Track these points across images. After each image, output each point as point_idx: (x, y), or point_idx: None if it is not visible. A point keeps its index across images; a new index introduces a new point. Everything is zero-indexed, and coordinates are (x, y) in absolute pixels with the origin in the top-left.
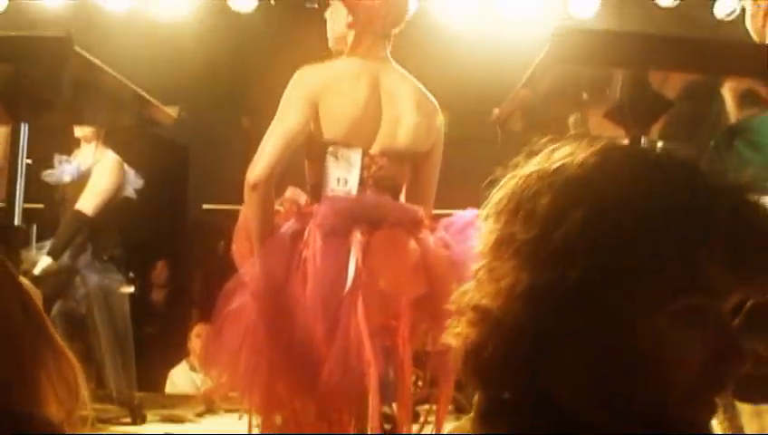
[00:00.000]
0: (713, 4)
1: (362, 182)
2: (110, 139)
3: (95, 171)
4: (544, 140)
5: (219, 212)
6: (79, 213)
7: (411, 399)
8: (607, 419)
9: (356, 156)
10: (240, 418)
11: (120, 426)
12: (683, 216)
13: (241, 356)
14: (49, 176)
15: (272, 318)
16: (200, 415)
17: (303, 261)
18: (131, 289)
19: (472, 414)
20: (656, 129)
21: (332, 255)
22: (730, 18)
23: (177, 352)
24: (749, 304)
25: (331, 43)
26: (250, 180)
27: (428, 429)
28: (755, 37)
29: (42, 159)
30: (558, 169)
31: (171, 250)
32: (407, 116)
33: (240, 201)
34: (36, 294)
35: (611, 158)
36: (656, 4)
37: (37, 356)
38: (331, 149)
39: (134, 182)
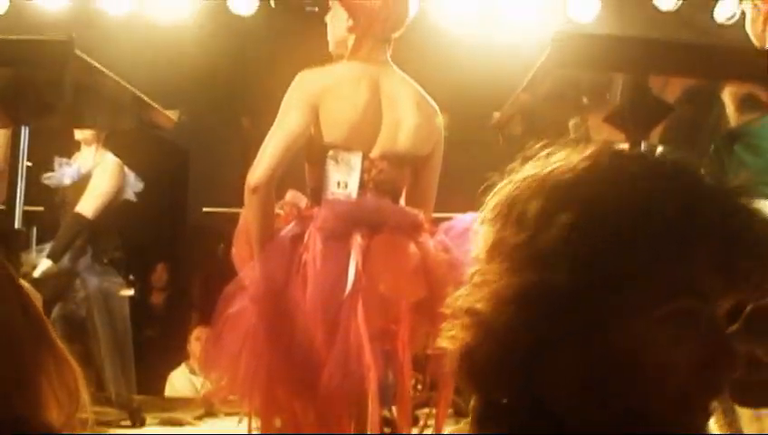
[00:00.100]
0: (713, 9)
1: (362, 186)
2: (110, 141)
3: (95, 174)
4: (540, 144)
5: (219, 215)
6: (79, 216)
7: (411, 402)
8: (600, 422)
9: (356, 159)
10: (240, 421)
11: (120, 429)
12: (673, 219)
13: (241, 360)
14: (49, 179)
15: (272, 322)
16: (199, 418)
17: (303, 264)
18: (131, 292)
19: (469, 418)
20: (656, 133)
21: (332, 258)
22: (730, 22)
23: (176, 355)
24: (749, 308)
25: (331, 47)
26: (250, 184)
27: (428, 432)
28: (755, 42)
29: (42, 162)
30: (549, 173)
31: (171, 253)
32: (407, 120)
33: (240, 204)
34: (36, 298)
35: (602, 162)
36: (656, 8)
37: (38, 360)
38: (331, 152)
39: (134, 185)
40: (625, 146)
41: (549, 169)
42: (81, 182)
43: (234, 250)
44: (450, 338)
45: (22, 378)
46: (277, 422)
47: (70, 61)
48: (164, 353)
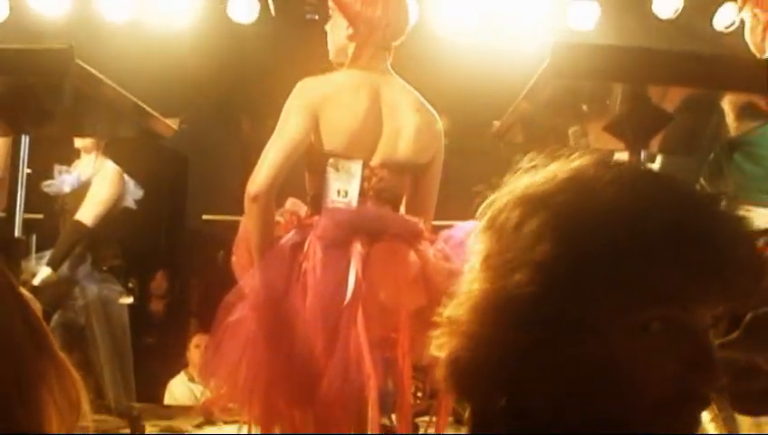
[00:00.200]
0: (712, 16)
1: (363, 194)
2: (109, 149)
3: (95, 182)
4: (531, 156)
5: (219, 223)
6: (78, 223)
7: (411, 410)
8: (582, 430)
9: (356, 167)
10: (239, 429)
11: None
12: (648, 227)
13: (240, 368)
14: (49, 186)
15: (271, 330)
16: (199, 426)
17: (303, 273)
18: (130, 300)
19: (467, 427)
20: (655, 142)
21: (332, 266)
22: (729, 30)
23: (175, 362)
24: (748, 316)
25: (331, 55)
26: (250, 192)
27: None
28: (754, 50)
29: (42, 170)
30: (531, 184)
31: (170, 261)
32: (407, 128)
33: (239, 212)
34: (36, 306)
35: (584, 173)
36: (655, 16)
37: (38, 369)
38: (331, 160)
39: (134, 193)
40: (625, 155)
41: (532, 180)
42: (81, 190)
43: (234, 258)
44: (438, 346)
45: (22, 387)
46: (277, 430)
47: (70, 69)
48: (163, 361)
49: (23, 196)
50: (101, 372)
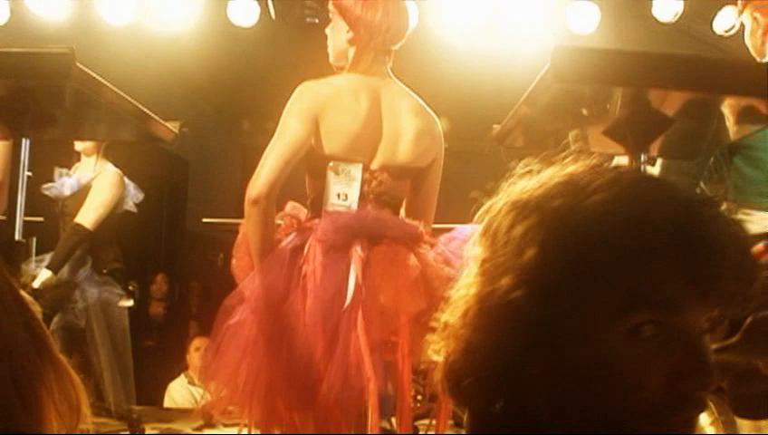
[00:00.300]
0: (713, 20)
1: (363, 197)
2: (110, 152)
3: (95, 185)
4: (523, 163)
5: (218, 226)
6: (79, 226)
7: (411, 414)
8: (577, 431)
9: (356, 171)
10: (239, 432)
11: None
12: (638, 231)
13: (241, 371)
14: (49, 189)
15: (272, 333)
16: (198, 429)
17: (303, 276)
18: (130, 303)
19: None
20: (656, 145)
21: (332, 270)
22: (729, 34)
23: (175, 365)
24: (748, 320)
25: (331, 59)
26: (251, 195)
27: None
28: (754, 54)
29: (42, 173)
30: (524, 190)
31: (170, 263)
32: (407, 131)
33: (239, 215)
34: (36, 310)
35: (575, 177)
36: (656, 20)
37: (39, 372)
38: (331, 164)
39: (134, 196)
40: (625, 159)
41: (527, 185)
42: (81, 193)
43: (234, 261)
44: (436, 351)
45: (22, 390)
46: (277, 433)
47: (71, 73)
48: (163, 364)
49: (23, 199)
50: (101, 375)
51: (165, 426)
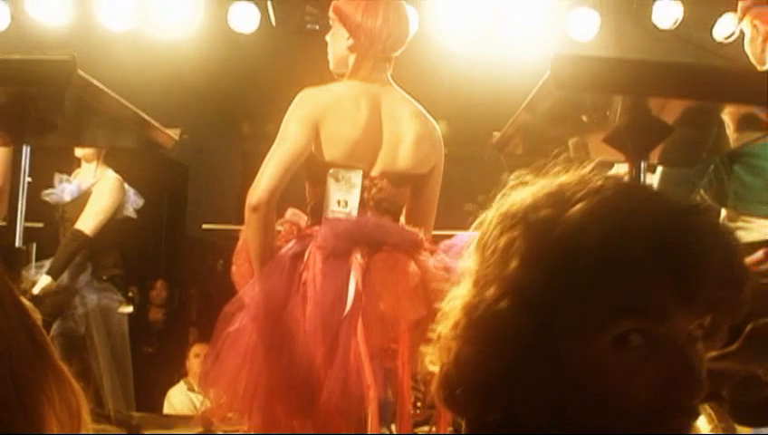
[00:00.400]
0: (712, 27)
1: (363, 204)
2: (110, 158)
3: (95, 191)
4: (514, 175)
5: (218, 232)
6: (78, 232)
7: (411, 421)
8: None
9: (357, 178)
10: None
11: None
12: (621, 239)
13: (240, 378)
14: (49, 195)
15: (271, 340)
16: None
17: (303, 283)
18: (130, 309)
19: None
20: (656, 153)
21: (332, 277)
22: (729, 41)
23: (175, 371)
24: (748, 327)
25: (332, 66)
26: (251, 202)
27: None
28: (754, 61)
29: (42, 178)
30: (514, 202)
31: (170, 270)
32: (407, 138)
33: (239, 221)
34: (36, 317)
35: (563, 188)
36: (656, 27)
37: (38, 380)
38: (331, 170)
39: (134, 202)
40: (625, 166)
41: (518, 196)
42: (81, 199)
43: (234, 268)
44: (431, 362)
45: (22, 397)
46: None
47: (72, 80)
48: (163, 370)
49: (23, 206)
50: (101, 381)
51: (164, 432)
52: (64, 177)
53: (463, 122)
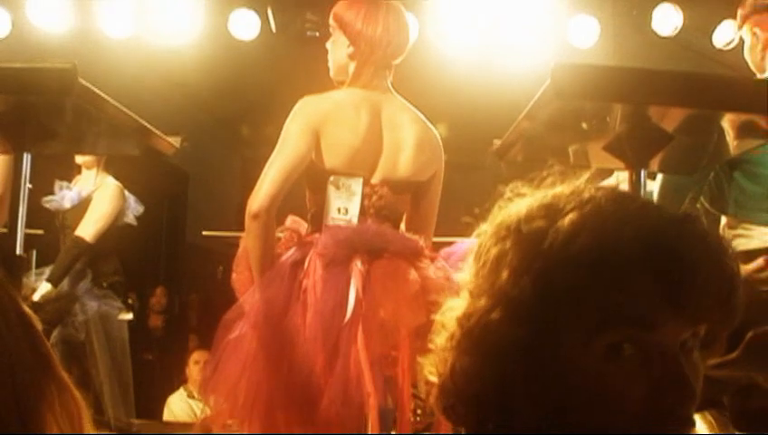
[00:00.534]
0: (712, 34)
1: (363, 211)
2: (110, 164)
3: (95, 197)
4: (510, 187)
5: (219, 238)
6: (79, 239)
7: (411, 428)
8: None
9: (357, 185)
10: None
11: None
12: (607, 248)
13: (241, 385)
14: (49, 202)
15: (272, 347)
16: None
17: (304, 290)
18: (130, 316)
19: None
20: (656, 161)
21: (333, 284)
22: (729, 47)
23: (175, 378)
24: (749, 335)
25: (332, 73)
26: (251, 210)
27: None
28: (754, 69)
29: (42, 185)
30: (508, 214)
31: (170, 276)
32: (407, 146)
33: (239, 228)
34: (37, 325)
35: (557, 199)
36: (655, 33)
37: (40, 388)
38: (332, 178)
39: (134, 208)
40: (625, 174)
41: (513, 208)
42: (82, 206)
43: (234, 275)
44: (430, 373)
45: (24, 406)
46: None
47: (73, 88)
48: (162, 377)
49: (24, 213)
50: (101, 388)
51: None
52: (64, 184)
53: (463, 129)
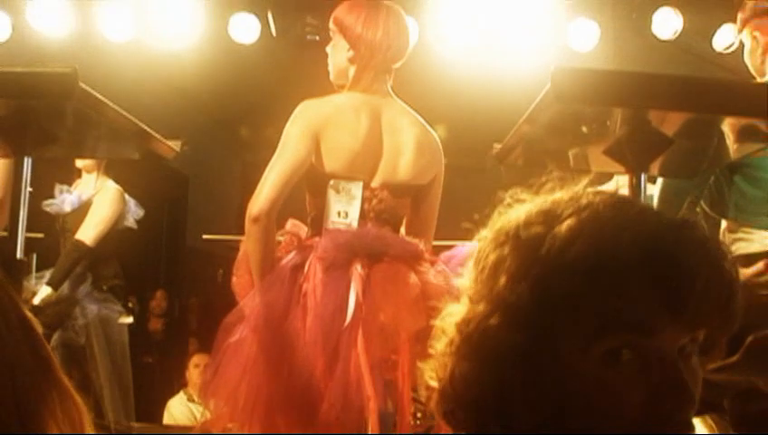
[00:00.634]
0: (712, 37)
1: (363, 215)
2: (110, 168)
3: (96, 201)
4: (509, 194)
5: (219, 242)
6: (79, 243)
7: (411, 432)
8: None
9: (357, 189)
10: None
11: None
12: (604, 254)
13: (241, 389)
14: (49, 205)
15: (272, 351)
16: None
17: (304, 294)
18: (130, 319)
19: None
20: (656, 165)
21: (333, 288)
22: (729, 51)
23: (175, 382)
24: (749, 339)
25: (332, 77)
26: (251, 213)
27: None
28: (754, 73)
29: (42, 189)
30: (508, 220)
31: (170, 280)
32: (407, 150)
33: (240, 231)
34: (38, 329)
35: (555, 205)
36: (655, 37)
37: (42, 394)
38: (332, 182)
39: (135, 212)
40: (625, 178)
41: (513, 214)
42: (82, 209)
43: (234, 279)
44: (430, 378)
45: (25, 412)
46: None
47: (74, 93)
48: (163, 380)
49: (25, 217)
50: (101, 392)
51: None
52: (65, 187)
53: (463, 132)
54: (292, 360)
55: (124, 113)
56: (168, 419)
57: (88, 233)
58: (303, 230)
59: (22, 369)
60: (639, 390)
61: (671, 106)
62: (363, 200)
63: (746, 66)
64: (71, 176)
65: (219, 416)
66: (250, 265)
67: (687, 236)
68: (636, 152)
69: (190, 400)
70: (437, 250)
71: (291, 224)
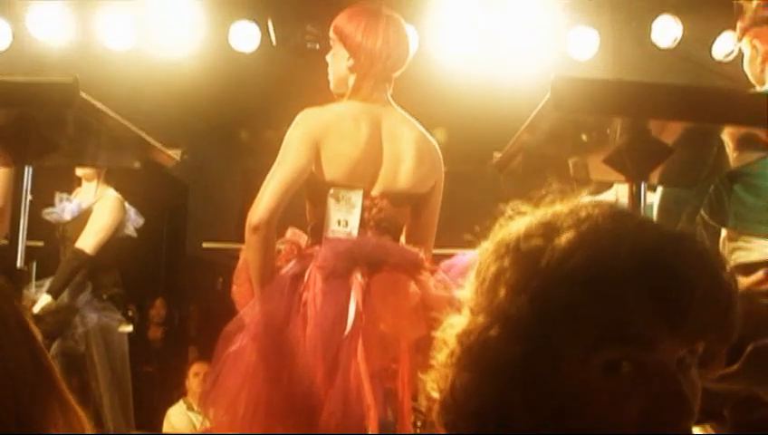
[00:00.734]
0: (712, 45)
1: (363, 224)
2: (110, 176)
3: (96, 209)
4: (510, 206)
5: (219, 250)
6: (79, 251)
7: None
8: None
9: (357, 198)
10: None
11: None
12: (603, 266)
13: (241, 398)
14: (49, 214)
15: (272, 360)
16: None
17: (304, 303)
18: (130, 328)
19: None
20: (656, 174)
21: (333, 297)
22: (728, 59)
23: (174, 390)
24: (749, 348)
25: (332, 86)
26: (251, 222)
27: None
28: (753, 81)
29: (42, 197)
30: (509, 232)
31: (170, 288)
32: (407, 158)
33: (240, 240)
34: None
35: (555, 217)
36: (655, 45)
37: (44, 405)
38: (332, 190)
39: (134, 220)
40: (624, 186)
41: (513, 227)
42: (82, 218)
43: (234, 288)
44: (432, 389)
45: (27, 423)
46: None
47: (74, 102)
48: (162, 389)
49: (25, 226)
50: (100, 400)
51: None
52: (65, 196)
53: (463, 140)
54: (292, 369)
55: (124, 122)
56: (167, 427)
57: (88, 241)
58: (303, 239)
59: (22, 377)
60: (639, 401)
61: (671, 115)
62: (363, 209)
63: (746, 74)
64: (71, 184)
65: (219, 425)
66: (250, 274)
67: (686, 248)
68: (636, 161)
69: (190, 408)
70: (438, 259)
71: (291, 233)
